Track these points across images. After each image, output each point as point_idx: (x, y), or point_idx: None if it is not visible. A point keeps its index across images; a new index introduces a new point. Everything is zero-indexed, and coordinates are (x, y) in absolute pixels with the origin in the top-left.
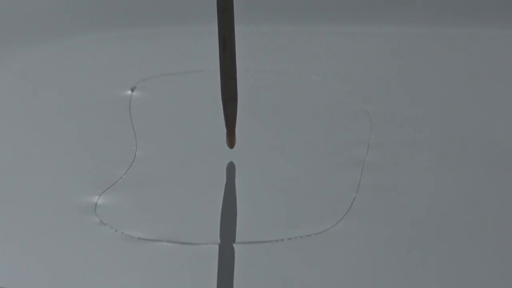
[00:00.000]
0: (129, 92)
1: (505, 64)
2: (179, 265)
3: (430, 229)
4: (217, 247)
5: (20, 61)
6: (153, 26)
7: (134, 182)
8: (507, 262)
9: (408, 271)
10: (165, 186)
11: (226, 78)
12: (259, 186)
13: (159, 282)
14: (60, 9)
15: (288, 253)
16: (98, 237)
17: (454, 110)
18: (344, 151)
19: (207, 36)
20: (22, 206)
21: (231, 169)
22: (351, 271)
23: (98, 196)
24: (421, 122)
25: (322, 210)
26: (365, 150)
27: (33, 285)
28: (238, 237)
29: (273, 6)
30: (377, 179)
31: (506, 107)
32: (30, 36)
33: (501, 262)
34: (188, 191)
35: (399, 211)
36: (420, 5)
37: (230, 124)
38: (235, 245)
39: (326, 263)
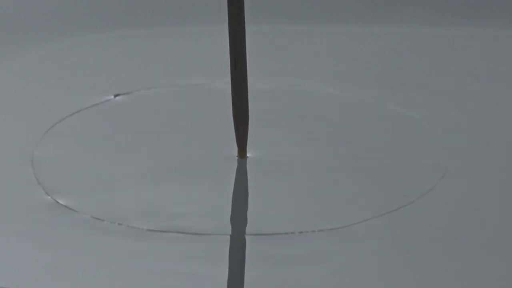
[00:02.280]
0: (112, 97)
1: (505, 64)
2: (189, 256)
3: (447, 231)
4: (228, 238)
5: (20, 61)
6: (153, 26)
7: (140, 177)
8: None
9: (415, 272)
10: (174, 178)
11: (237, 99)
12: (280, 179)
13: (169, 273)
14: (60, 9)
15: (299, 246)
16: (104, 231)
17: (453, 110)
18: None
19: (207, 36)
20: (22, 206)
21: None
22: (357, 269)
23: (49, 196)
24: (421, 122)
25: (339, 207)
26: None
27: (34, 284)
28: (249, 229)
29: (273, 6)
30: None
31: (506, 107)
32: (30, 36)
33: None
34: (198, 182)
35: (411, 212)
36: (420, 5)
37: (241, 144)
38: (246, 237)
39: (333, 259)
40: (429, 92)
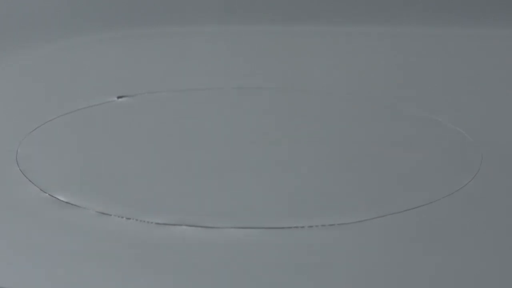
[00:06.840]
0: (115, 98)
1: (505, 64)
2: (198, 249)
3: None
4: (236, 231)
5: (20, 61)
6: (153, 26)
7: (145, 171)
8: None
9: (421, 272)
10: (182, 172)
11: None
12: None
13: (178, 266)
14: (60, 9)
15: (307, 240)
16: (112, 226)
17: (453, 110)
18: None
19: (207, 36)
20: (23, 206)
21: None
22: (362, 267)
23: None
24: (421, 122)
25: (352, 202)
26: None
27: (37, 284)
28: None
29: (273, 6)
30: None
31: (506, 107)
32: (30, 36)
33: None
34: (207, 176)
35: (426, 212)
36: (420, 5)
37: None
38: (254, 230)
39: (342, 255)
40: (434, 93)
